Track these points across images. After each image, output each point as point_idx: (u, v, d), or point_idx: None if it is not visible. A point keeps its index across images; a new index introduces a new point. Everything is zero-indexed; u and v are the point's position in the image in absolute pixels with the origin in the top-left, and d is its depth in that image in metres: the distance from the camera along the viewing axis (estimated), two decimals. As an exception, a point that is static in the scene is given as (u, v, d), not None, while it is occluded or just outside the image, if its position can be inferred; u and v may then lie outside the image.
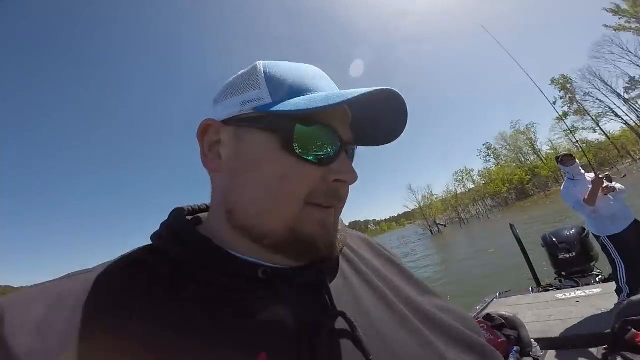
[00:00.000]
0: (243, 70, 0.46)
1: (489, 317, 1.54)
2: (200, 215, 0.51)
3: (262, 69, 0.44)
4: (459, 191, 63.94)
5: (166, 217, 0.47)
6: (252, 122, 0.42)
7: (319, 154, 0.41)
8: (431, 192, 58.90)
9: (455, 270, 12.62)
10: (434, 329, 0.47)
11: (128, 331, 0.35)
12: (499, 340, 1.48)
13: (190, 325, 0.36)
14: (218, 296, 0.38)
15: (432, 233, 48.89)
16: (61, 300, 0.36)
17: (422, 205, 56.21)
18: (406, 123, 0.48)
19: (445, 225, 54.97)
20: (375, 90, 0.39)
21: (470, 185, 65.92)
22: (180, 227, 0.44)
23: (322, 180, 0.42)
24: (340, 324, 0.40)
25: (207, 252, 0.41)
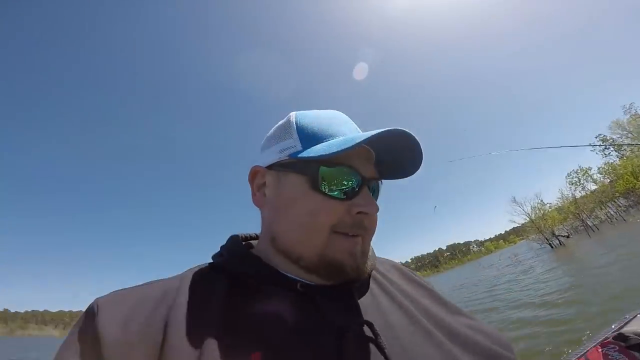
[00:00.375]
0: (281, 121, 0.58)
1: (621, 337, 1.28)
2: (251, 241, 0.62)
3: (294, 120, 0.55)
4: (578, 195, 54.87)
5: (224, 242, 0.59)
6: (287, 167, 0.53)
7: (342, 190, 0.50)
8: (541, 200, 50.87)
9: (588, 282, 10.90)
10: (459, 345, 0.51)
11: (195, 328, 0.43)
12: None
13: (239, 322, 0.45)
14: (264, 302, 0.48)
15: (551, 247, 42.05)
16: (143, 301, 0.46)
17: (533, 217, 48.74)
18: (421, 157, 0.55)
19: (568, 236, 47.23)
20: (384, 132, 0.47)
21: (592, 186, 55.98)
22: (236, 249, 0.55)
23: (346, 212, 0.50)
24: (366, 332, 0.47)
25: (257, 267, 0.51)
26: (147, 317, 0.44)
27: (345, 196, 0.50)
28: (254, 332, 0.44)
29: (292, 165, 0.52)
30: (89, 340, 0.42)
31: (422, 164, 0.56)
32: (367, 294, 0.55)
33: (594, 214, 52.86)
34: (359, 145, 0.46)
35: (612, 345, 1.21)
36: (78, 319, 0.47)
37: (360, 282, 0.54)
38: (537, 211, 49.21)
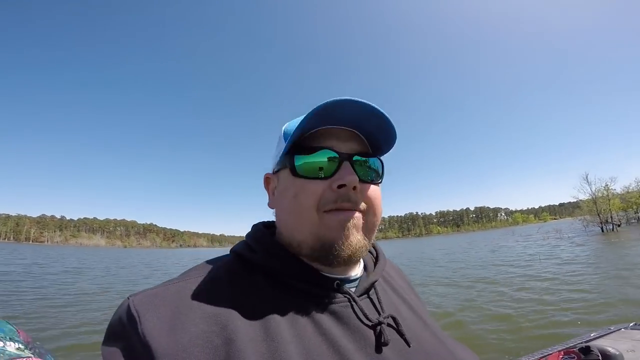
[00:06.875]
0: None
1: (585, 350, 1.23)
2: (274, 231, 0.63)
3: (283, 129, 0.61)
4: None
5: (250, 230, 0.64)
6: (278, 165, 0.60)
7: (321, 169, 0.54)
8: (607, 185, 50.45)
9: (622, 282, 9.41)
10: (442, 335, 0.62)
11: (245, 328, 0.44)
12: None
13: (301, 329, 0.47)
14: (315, 305, 0.51)
15: (602, 230, 43.43)
16: (181, 301, 0.46)
17: (596, 197, 48.88)
18: (391, 125, 0.55)
19: (619, 225, 48.05)
20: (330, 103, 0.50)
21: None
22: (271, 247, 0.56)
23: (328, 189, 0.53)
24: (390, 321, 0.54)
25: (298, 267, 0.54)
26: (191, 320, 0.44)
27: (325, 175, 0.53)
28: (314, 335, 0.47)
29: (281, 162, 0.58)
30: (138, 352, 0.41)
31: (394, 130, 0.56)
32: (381, 290, 0.61)
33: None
34: (307, 123, 0.52)
35: (573, 355, 1.24)
36: (113, 322, 0.47)
37: (375, 274, 0.60)
38: (600, 193, 49.47)
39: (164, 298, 0.47)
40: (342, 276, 0.57)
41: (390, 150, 0.61)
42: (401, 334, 0.53)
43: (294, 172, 0.55)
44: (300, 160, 0.55)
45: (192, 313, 0.45)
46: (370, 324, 0.51)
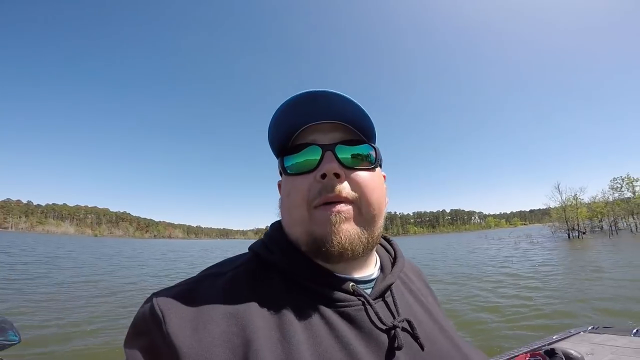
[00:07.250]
0: None
1: (550, 352, 1.29)
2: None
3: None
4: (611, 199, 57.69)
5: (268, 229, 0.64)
6: (278, 170, 0.62)
7: (307, 164, 0.55)
8: (576, 195, 54.01)
9: (583, 285, 10.42)
10: (458, 339, 0.60)
11: (263, 329, 0.45)
12: None
13: (315, 329, 0.47)
14: (329, 307, 0.51)
15: (569, 237, 46.27)
16: (203, 300, 0.48)
17: (565, 206, 52.20)
18: (359, 107, 0.55)
19: (584, 233, 51.06)
20: (297, 96, 0.53)
21: (628, 195, 59.38)
22: (287, 247, 0.57)
23: (314, 182, 0.53)
24: (404, 325, 0.53)
25: (312, 269, 0.54)
26: (212, 320, 0.45)
27: (310, 169, 0.54)
28: (327, 338, 0.47)
29: (278, 167, 0.61)
30: (162, 351, 0.43)
31: (365, 112, 0.56)
32: (398, 292, 0.60)
33: (615, 220, 56.46)
34: (276, 121, 0.56)
35: (539, 357, 1.29)
36: (137, 321, 0.48)
37: (393, 277, 0.59)
38: (569, 202, 52.84)
39: (187, 297, 0.48)
40: (357, 276, 0.56)
41: (380, 135, 0.62)
42: (415, 338, 0.52)
43: (286, 173, 0.57)
44: (289, 161, 0.57)
45: (213, 312, 0.46)
46: (384, 327, 0.50)
